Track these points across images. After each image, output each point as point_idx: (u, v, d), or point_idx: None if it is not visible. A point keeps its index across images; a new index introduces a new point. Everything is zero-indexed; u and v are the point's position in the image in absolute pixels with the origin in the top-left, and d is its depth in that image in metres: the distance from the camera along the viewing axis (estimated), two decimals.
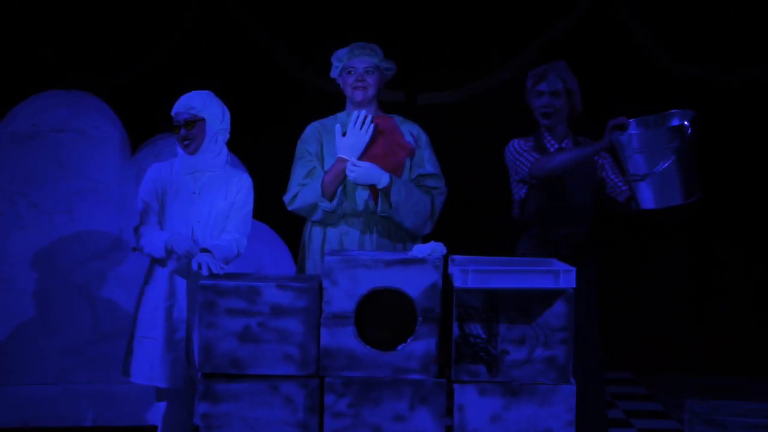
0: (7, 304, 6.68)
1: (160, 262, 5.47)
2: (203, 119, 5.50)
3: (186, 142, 5.50)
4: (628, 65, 8.75)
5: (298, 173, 5.56)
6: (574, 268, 4.55)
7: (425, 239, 5.47)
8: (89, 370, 6.72)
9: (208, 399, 4.60)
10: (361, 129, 5.43)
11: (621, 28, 8.61)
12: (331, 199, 5.45)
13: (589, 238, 5.81)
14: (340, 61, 5.60)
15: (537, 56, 8.55)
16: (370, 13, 8.58)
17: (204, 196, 5.48)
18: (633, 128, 5.44)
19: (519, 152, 5.77)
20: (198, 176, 5.50)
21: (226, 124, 5.56)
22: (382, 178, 5.42)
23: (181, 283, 5.43)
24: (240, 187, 5.54)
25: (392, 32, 8.44)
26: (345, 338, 4.60)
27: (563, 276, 4.52)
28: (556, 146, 5.81)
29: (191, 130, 5.50)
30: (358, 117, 5.44)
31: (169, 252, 5.36)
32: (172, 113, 5.53)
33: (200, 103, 5.50)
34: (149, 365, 5.42)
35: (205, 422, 4.59)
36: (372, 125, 5.43)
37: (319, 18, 8.61)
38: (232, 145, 6.85)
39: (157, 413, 6.67)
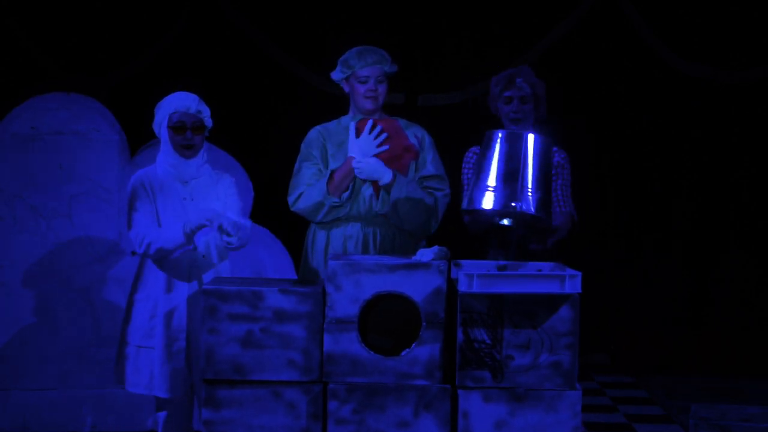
0: (7, 308, 6.65)
1: (161, 260, 5.39)
2: (206, 126, 5.45)
3: (188, 147, 5.42)
4: (631, 63, 8.74)
5: (304, 174, 5.51)
6: (579, 273, 4.52)
7: (429, 243, 5.44)
8: (89, 374, 6.69)
9: (211, 405, 4.56)
10: (374, 137, 5.40)
11: (624, 27, 8.59)
12: (339, 197, 5.41)
13: (550, 247, 5.77)
14: (350, 67, 5.50)
15: (539, 56, 8.54)
16: (369, 12, 8.55)
17: (197, 201, 5.42)
18: None
19: (465, 169, 5.77)
20: (187, 182, 5.44)
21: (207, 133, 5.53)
22: (386, 175, 5.39)
23: (181, 291, 5.38)
24: (228, 186, 5.51)
25: (392, 32, 8.41)
26: (348, 344, 4.56)
27: (569, 281, 4.49)
28: None
29: (198, 136, 5.43)
30: (373, 128, 5.42)
31: (189, 236, 5.26)
32: (170, 111, 5.40)
33: (205, 109, 5.46)
34: (149, 375, 5.37)
35: (207, 429, 4.55)
36: (382, 137, 5.42)
37: (318, 18, 8.58)
38: (230, 147, 6.83)
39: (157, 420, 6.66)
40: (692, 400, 6.86)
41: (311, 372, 4.57)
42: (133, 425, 6.70)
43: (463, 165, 5.85)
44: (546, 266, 4.87)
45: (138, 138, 7.02)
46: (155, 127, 5.51)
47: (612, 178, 8.88)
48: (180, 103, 5.42)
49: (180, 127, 5.40)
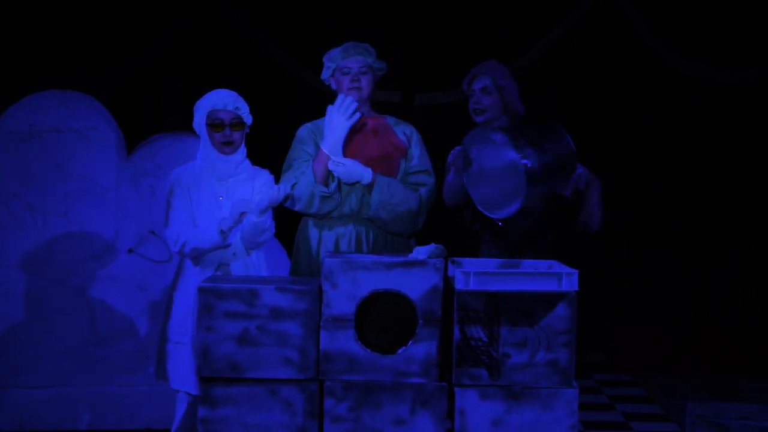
0: (2, 306, 6.65)
1: (199, 258, 5.40)
2: (245, 123, 5.46)
3: (227, 143, 5.42)
4: (631, 63, 8.73)
5: (296, 169, 5.50)
6: (576, 271, 4.51)
7: (425, 241, 5.44)
8: (86, 372, 6.69)
9: (207, 403, 4.56)
10: (344, 114, 5.38)
11: (624, 27, 8.59)
12: (326, 185, 5.40)
13: (549, 238, 5.76)
14: (333, 61, 5.56)
15: (540, 56, 8.54)
16: (369, 12, 8.55)
17: (233, 200, 5.40)
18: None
19: (448, 167, 5.78)
20: (224, 181, 5.44)
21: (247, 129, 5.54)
22: (364, 175, 5.39)
23: None
24: (265, 183, 5.49)
25: (392, 32, 8.41)
26: (345, 341, 4.56)
27: (566, 279, 4.49)
28: None
29: (237, 132, 5.44)
30: (342, 102, 5.40)
31: (225, 234, 5.26)
32: (208, 109, 5.41)
33: (243, 105, 5.47)
34: (182, 370, 5.38)
35: (204, 427, 4.55)
36: (357, 114, 5.40)
37: (316, 17, 8.58)
38: None
39: (153, 415, 6.65)
40: (690, 398, 6.84)
41: (307, 370, 4.57)
42: (129, 423, 6.71)
43: (448, 163, 5.85)
44: (543, 264, 4.87)
45: (139, 137, 7.03)
46: (195, 127, 5.51)
47: (612, 178, 8.87)
48: (218, 100, 5.43)
49: (218, 124, 5.40)
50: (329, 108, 5.45)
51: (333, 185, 5.41)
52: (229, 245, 5.34)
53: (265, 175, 5.53)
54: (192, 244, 5.31)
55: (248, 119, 5.49)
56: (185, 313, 5.41)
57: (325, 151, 5.42)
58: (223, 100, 5.43)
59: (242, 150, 5.49)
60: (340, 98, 5.43)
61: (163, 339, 5.48)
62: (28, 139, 6.71)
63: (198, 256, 5.41)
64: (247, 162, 5.51)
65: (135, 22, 8.49)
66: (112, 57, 8.47)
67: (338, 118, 5.39)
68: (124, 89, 8.42)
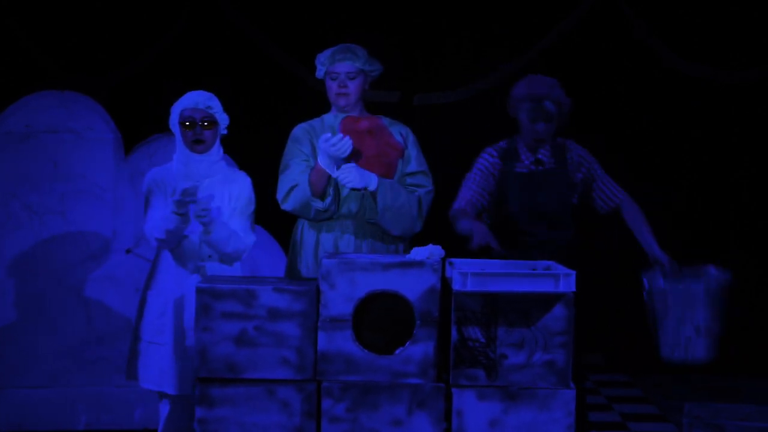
0: (0, 306, 6.66)
1: (173, 255, 5.41)
2: (217, 122, 5.46)
3: (198, 141, 5.43)
4: (631, 63, 8.73)
5: (293, 170, 5.48)
6: (574, 272, 4.52)
7: (422, 242, 5.44)
8: (83, 373, 6.70)
9: (204, 403, 4.56)
10: (334, 147, 5.27)
11: (624, 27, 8.59)
12: (322, 198, 5.39)
13: (567, 245, 5.75)
14: (323, 65, 5.55)
15: (539, 56, 8.54)
16: (369, 12, 8.56)
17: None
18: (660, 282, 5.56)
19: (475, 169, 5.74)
20: (198, 183, 5.44)
21: (224, 130, 5.54)
22: (371, 181, 5.37)
23: (191, 288, 5.37)
24: (242, 189, 5.50)
25: (392, 32, 8.42)
26: (342, 342, 4.56)
27: (563, 280, 4.49)
28: (531, 158, 5.67)
29: (207, 131, 5.44)
30: (335, 143, 5.26)
31: (178, 202, 5.21)
32: (181, 108, 5.44)
33: (217, 105, 5.47)
34: (158, 371, 5.38)
35: (201, 427, 4.55)
36: (350, 148, 5.29)
37: (316, 17, 8.58)
38: (229, 146, 6.83)
39: (150, 415, 6.65)
40: (688, 399, 6.85)
41: (305, 370, 4.57)
42: (126, 423, 6.71)
43: (476, 165, 5.78)
44: (540, 265, 4.87)
45: (138, 138, 7.04)
46: (171, 127, 5.53)
47: (612, 178, 8.86)
48: (189, 99, 5.46)
49: (190, 123, 5.42)
50: (321, 142, 5.32)
51: (329, 199, 5.39)
52: (179, 228, 5.31)
53: (241, 178, 5.52)
54: (160, 227, 5.28)
55: (222, 118, 5.49)
56: (158, 313, 5.41)
57: (322, 167, 5.37)
58: (194, 99, 5.45)
59: (217, 150, 5.49)
60: (335, 139, 5.26)
61: (136, 338, 5.48)
62: (25, 139, 6.72)
63: (175, 254, 5.40)
64: (223, 163, 5.51)
65: (135, 22, 8.50)
66: (112, 57, 8.48)
67: (333, 155, 5.30)
68: (124, 89, 8.43)
